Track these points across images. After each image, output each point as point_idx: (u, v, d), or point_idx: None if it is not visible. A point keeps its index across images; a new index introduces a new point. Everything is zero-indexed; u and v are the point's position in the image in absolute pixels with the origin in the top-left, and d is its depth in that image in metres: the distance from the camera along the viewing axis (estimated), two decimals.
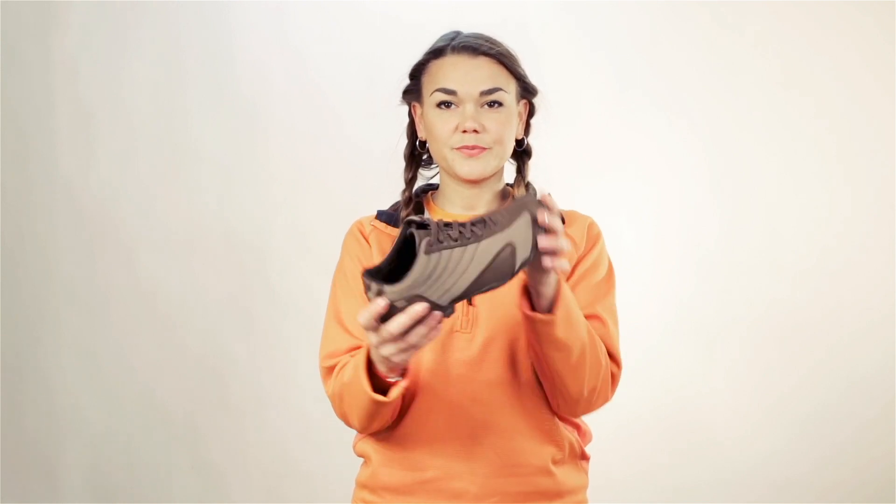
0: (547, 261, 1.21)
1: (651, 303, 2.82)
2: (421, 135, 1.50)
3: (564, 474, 1.44)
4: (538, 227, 1.21)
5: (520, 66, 1.47)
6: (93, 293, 2.89)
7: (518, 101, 1.48)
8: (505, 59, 1.45)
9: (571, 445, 1.45)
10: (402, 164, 1.54)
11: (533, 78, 1.49)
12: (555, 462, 1.43)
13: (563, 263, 1.22)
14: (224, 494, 2.86)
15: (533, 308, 1.29)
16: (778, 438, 2.82)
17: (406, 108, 1.53)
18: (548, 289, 1.26)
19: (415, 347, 1.19)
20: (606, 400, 1.40)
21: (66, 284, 2.89)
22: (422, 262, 1.15)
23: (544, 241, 1.20)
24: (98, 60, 2.88)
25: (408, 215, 1.47)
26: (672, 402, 2.84)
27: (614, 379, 1.40)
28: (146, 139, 2.89)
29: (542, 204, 1.22)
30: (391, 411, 1.36)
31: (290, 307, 2.84)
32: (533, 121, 1.53)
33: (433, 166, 1.54)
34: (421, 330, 1.16)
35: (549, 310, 1.28)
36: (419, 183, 1.55)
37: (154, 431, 2.88)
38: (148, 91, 2.88)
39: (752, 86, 2.86)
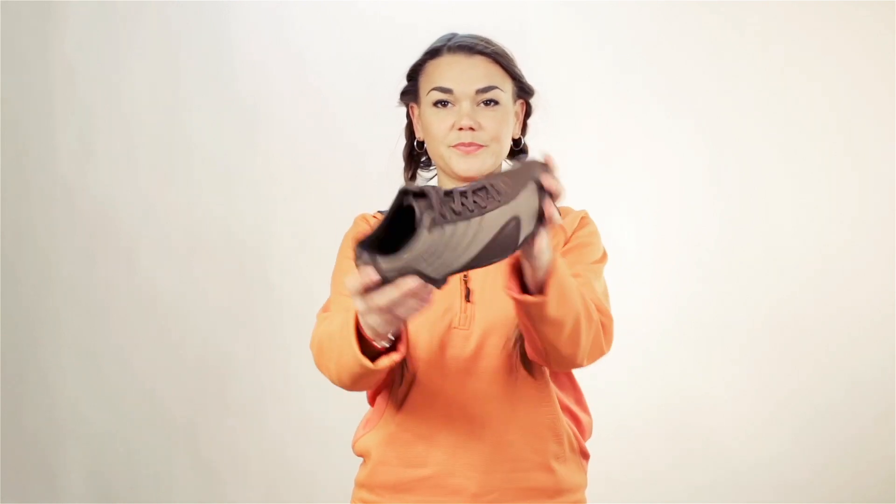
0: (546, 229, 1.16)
1: (652, 305, 2.82)
2: (419, 135, 1.51)
3: (564, 472, 1.45)
4: (543, 193, 1.13)
5: (516, 67, 1.48)
6: (92, 293, 2.89)
7: (515, 101, 1.48)
8: (501, 59, 1.46)
9: (570, 440, 1.45)
10: (401, 165, 1.55)
11: (531, 78, 1.50)
12: (555, 458, 1.43)
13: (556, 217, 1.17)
14: (223, 494, 2.86)
15: (523, 287, 1.23)
16: (779, 440, 2.82)
17: (404, 109, 1.54)
18: (543, 260, 1.19)
19: (401, 319, 1.12)
20: (602, 353, 1.35)
21: (65, 285, 2.89)
22: (423, 239, 1.06)
23: (550, 207, 1.15)
24: (97, 61, 2.88)
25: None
26: (673, 404, 2.84)
27: (606, 330, 1.34)
28: (145, 140, 2.89)
29: (546, 167, 1.16)
30: (375, 380, 1.32)
31: (289, 308, 2.84)
32: (530, 120, 1.54)
33: (431, 167, 1.55)
34: (411, 303, 1.09)
35: (542, 287, 1.21)
36: (418, 184, 1.55)
37: (154, 432, 2.88)
38: (147, 92, 2.88)
39: (753, 85, 2.85)
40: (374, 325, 1.14)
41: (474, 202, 1.10)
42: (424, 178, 1.56)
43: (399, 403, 1.43)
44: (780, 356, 2.83)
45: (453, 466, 1.41)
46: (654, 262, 2.84)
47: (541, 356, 1.33)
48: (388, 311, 1.09)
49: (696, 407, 2.84)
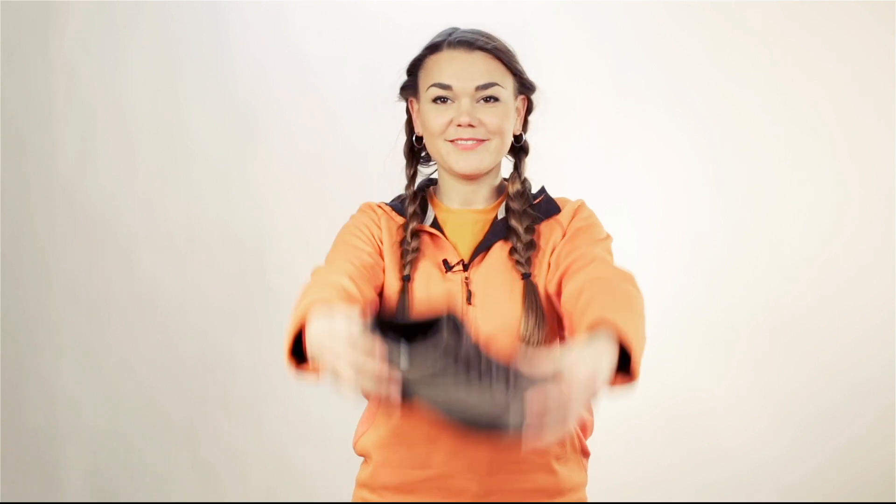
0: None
1: (652, 304, 2.80)
2: (418, 130, 1.50)
3: (565, 472, 1.45)
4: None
5: (517, 63, 1.46)
6: (92, 293, 2.89)
7: (515, 97, 1.47)
8: (501, 55, 1.44)
9: (572, 440, 1.46)
10: (399, 163, 1.53)
11: (532, 74, 1.48)
12: (556, 458, 1.43)
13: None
14: (223, 494, 2.86)
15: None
16: (780, 441, 2.82)
17: (403, 106, 1.53)
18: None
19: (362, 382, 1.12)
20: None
21: (65, 285, 2.89)
22: (431, 356, 1.11)
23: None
24: (97, 61, 2.88)
25: (412, 222, 1.46)
26: (674, 404, 2.83)
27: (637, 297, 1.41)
28: (145, 140, 2.89)
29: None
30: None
31: (288, 308, 2.81)
32: (531, 117, 1.52)
33: (432, 163, 1.53)
34: (376, 385, 1.11)
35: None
36: (419, 179, 1.54)
37: (153, 431, 2.88)
38: (147, 92, 2.88)
39: (754, 85, 2.84)
40: (340, 370, 1.13)
41: (488, 368, 1.12)
42: (425, 174, 1.55)
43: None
44: (781, 356, 2.83)
45: (455, 468, 1.41)
46: (654, 261, 2.83)
47: None
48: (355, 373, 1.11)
49: (696, 407, 2.84)
